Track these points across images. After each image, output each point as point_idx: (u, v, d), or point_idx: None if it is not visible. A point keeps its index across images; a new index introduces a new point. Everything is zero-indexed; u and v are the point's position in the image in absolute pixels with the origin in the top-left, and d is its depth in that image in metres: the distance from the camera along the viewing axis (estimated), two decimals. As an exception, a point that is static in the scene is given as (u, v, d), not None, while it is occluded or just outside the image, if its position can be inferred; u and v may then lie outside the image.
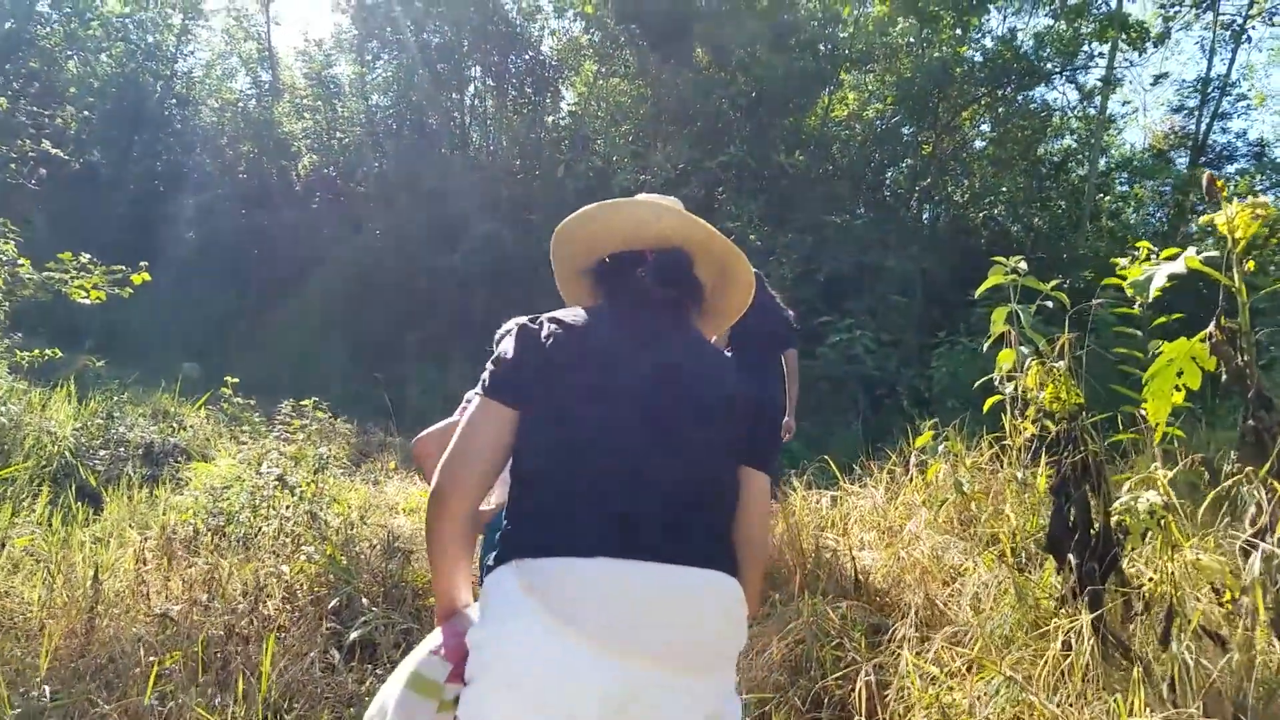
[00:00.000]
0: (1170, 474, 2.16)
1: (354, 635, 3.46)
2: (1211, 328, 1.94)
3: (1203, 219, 2.06)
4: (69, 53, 17.30)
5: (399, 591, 3.93)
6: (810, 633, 2.87)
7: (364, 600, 3.72)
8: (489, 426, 1.53)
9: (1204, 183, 1.97)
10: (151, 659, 2.86)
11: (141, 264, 6.90)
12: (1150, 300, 1.91)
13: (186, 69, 19.88)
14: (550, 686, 1.33)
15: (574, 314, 1.64)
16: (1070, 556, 2.25)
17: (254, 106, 19.38)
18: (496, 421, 1.53)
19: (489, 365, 1.60)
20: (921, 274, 12.74)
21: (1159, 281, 1.88)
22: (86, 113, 16.09)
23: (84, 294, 6.58)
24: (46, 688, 2.60)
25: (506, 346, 1.59)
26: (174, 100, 18.71)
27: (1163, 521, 2.03)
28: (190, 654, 2.93)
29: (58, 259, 6.57)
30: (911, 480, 3.94)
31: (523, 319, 1.63)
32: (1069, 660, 2.11)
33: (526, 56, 17.04)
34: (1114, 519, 2.13)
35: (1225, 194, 1.91)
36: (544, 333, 1.58)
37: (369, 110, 18.54)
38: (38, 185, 11.55)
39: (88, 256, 6.76)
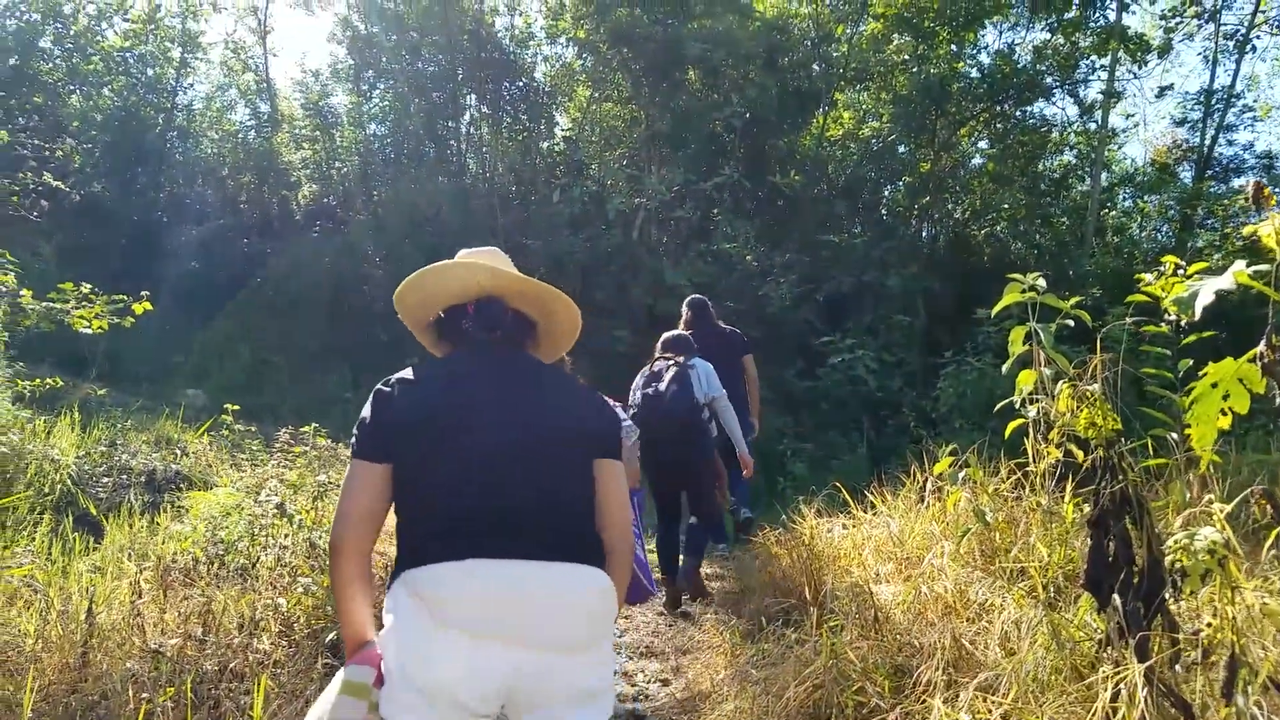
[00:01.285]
0: (1228, 508, 2.03)
1: (351, 671, 3.34)
2: (1262, 347, 1.82)
3: (1245, 229, 1.95)
4: (71, 87, 17.36)
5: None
6: (829, 676, 2.73)
7: (363, 634, 3.60)
8: (362, 484, 1.77)
9: (1251, 191, 1.87)
10: (143, 696, 2.74)
11: (143, 293, 6.90)
12: (1197, 318, 1.79)
13: (186, 101, 19.92)
14: (437, 676, 1.58)
15: (421, 369, 1.89)
16: (1115, 596, 2.11)
17: (254, 137, 19.45)
18: (368, 478, 1.78)
19: (355, 430, 1.83)
20: (923, 293, 12.68)
21: (1206, 298, 1.76)
22: (90, 145, 16.12)
23: (86, 324, 6.57)
24: (30, 728, 2.48)
25: (365, 412, 1.83)
26: (175, 133, 18.74)
27: (1222, 561, 1.89)
28: (183, 690, 2.80)
29: (59, 289, 6.56)
30: (928, 507, 3.81)
31: (379, 384, 1.87)
32: (1119, 714, 1.97)
33: (520, 83, 17.05)
34: (1168, 558, 1.99)
35: (1275, 202, 1.80)
36: (395, 393, 1.83)
37: (366, 140, 18.55)
38: (40, 218, 11.54)
39: (89, 286, 6.76)
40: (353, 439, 1.83)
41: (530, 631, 1.63)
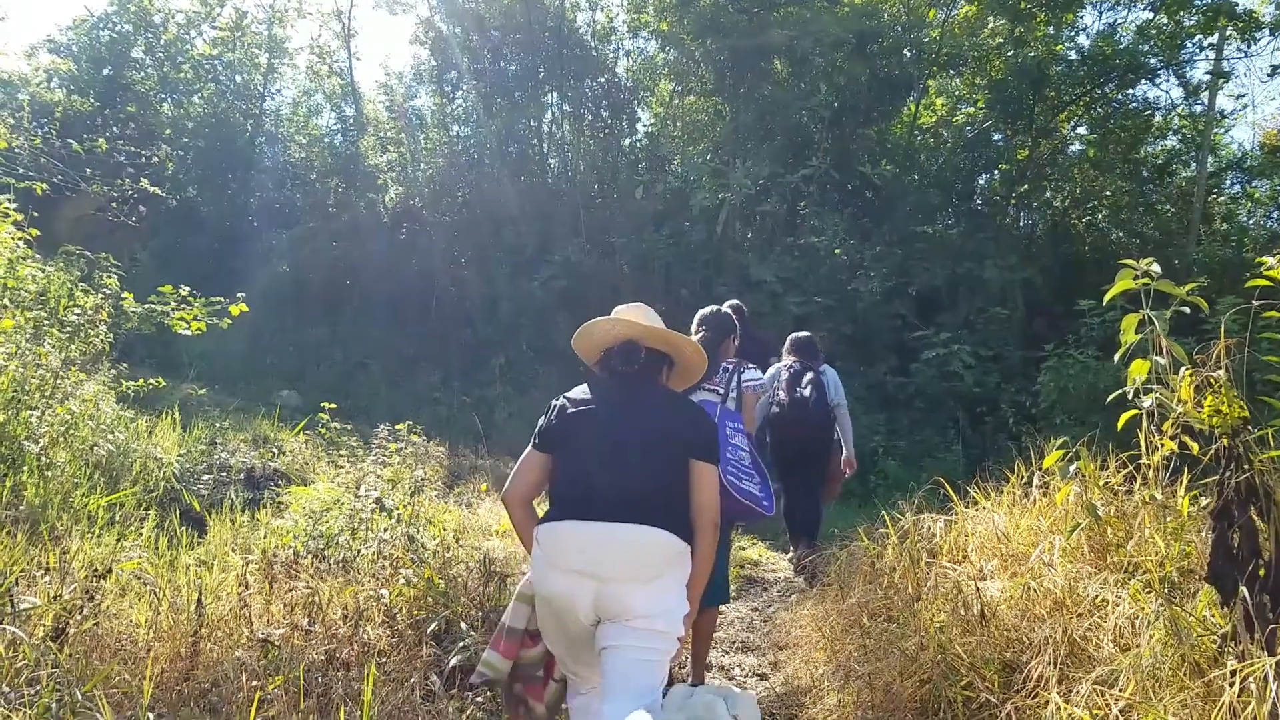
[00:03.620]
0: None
1: (453, 661, 3.41)
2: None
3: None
4: (163, 95, 18.01)
5: (497, 615, 3.85)
6: (938, 671, 2.66)
7: (462, 625, 3.67)
8: (528, 464, 2.70)
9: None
10: (254, 684, 2.81)
11: (239, 295, 7.09)
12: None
13: (274, 107, 20.36)
14: (550, 598, 2.49)
15: (579, 390, 2.75)
16: (1242, 589, 2.00)
17: (340, 141, 19.79)
18: (532, 460, 2.70)
19: (536, 428, 2.72)
20: (1021, 284, 12.26)
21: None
22: (182, 152, 16.74)
23: (185, 325, 6.76)
24: (151, 715, 2.56)
25: (543, 417, 2.73)
26: (263, 138, 19.14)
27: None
28: (292, 680, 2.88)
29: (159, 292, 6.77)
30: (1034, 503, 3.68)
31: (554, 400, 2.75)
32: (1248, 709, 1.87)
33: (602, 80, 17.06)
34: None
35: None
36: (559, 405, 2.71)
37: (450, 141, 18.79)
38: (138, 223, 12.02)
39: (187, 289, 6.96)
40: (535, 433, 2.71)
41: (605, 569, 2.40)
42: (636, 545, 2.42)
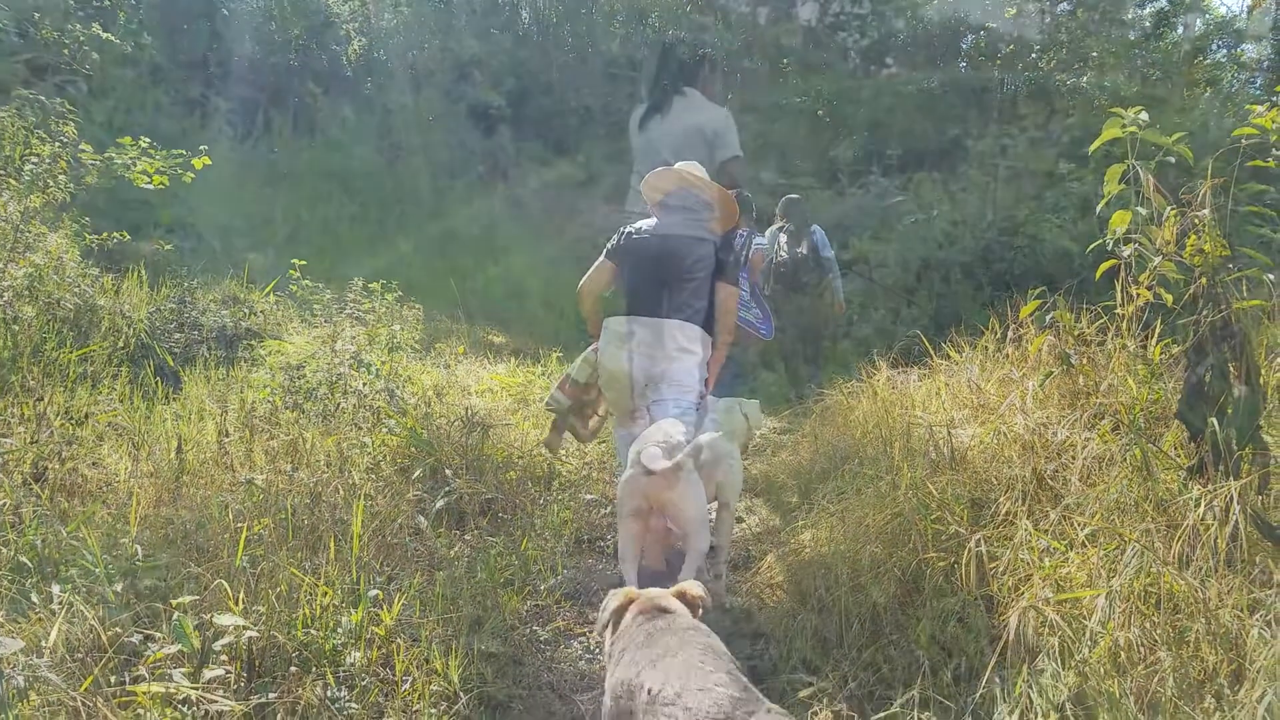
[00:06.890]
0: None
1: (440, 503, 3.48)
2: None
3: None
4: (107, -63, 16.78)
5: (480, 463, 3.92)
6: (909, 506, 2.76)
7: (447, 471, 3.72)
8: (599, 269, 3.62)
9: None
10: (240, 524, 2.82)
11: (201, 147, 6.79)
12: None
13: (228, -53, 19.10)
14: (611, 361, 3.41)
15: (642, 221, 3.61)
16: (1212, 420, 2.06)
17: (300, -13, 18.70)
18: (603, 267, 3.61)
19: (606, 245, 3.64)
20: (1001, 150, 12.08)
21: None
22: (134, 2, 15.70)
23: (146, 179, 6.47)
24: (139, 548, 2.57)
25: (611, 239, 3.64)
26: (218, -18, 18.03)
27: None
28: (278, 519, 2.90)
29: (118, 143, 6.45)
30: (1008, 356, 3.74)
31: (625, 226, 3.66)
32: (1210, 532, 1.96)
33: None
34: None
35: None
36: (626, 230, 3.60)
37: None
38: (90, 71, 11.42)
39: (148, 141, 6.64)
40: (606, 248, 3.62)
41: (650, 348, 3.33)
42: (671, 330, 3.36)
